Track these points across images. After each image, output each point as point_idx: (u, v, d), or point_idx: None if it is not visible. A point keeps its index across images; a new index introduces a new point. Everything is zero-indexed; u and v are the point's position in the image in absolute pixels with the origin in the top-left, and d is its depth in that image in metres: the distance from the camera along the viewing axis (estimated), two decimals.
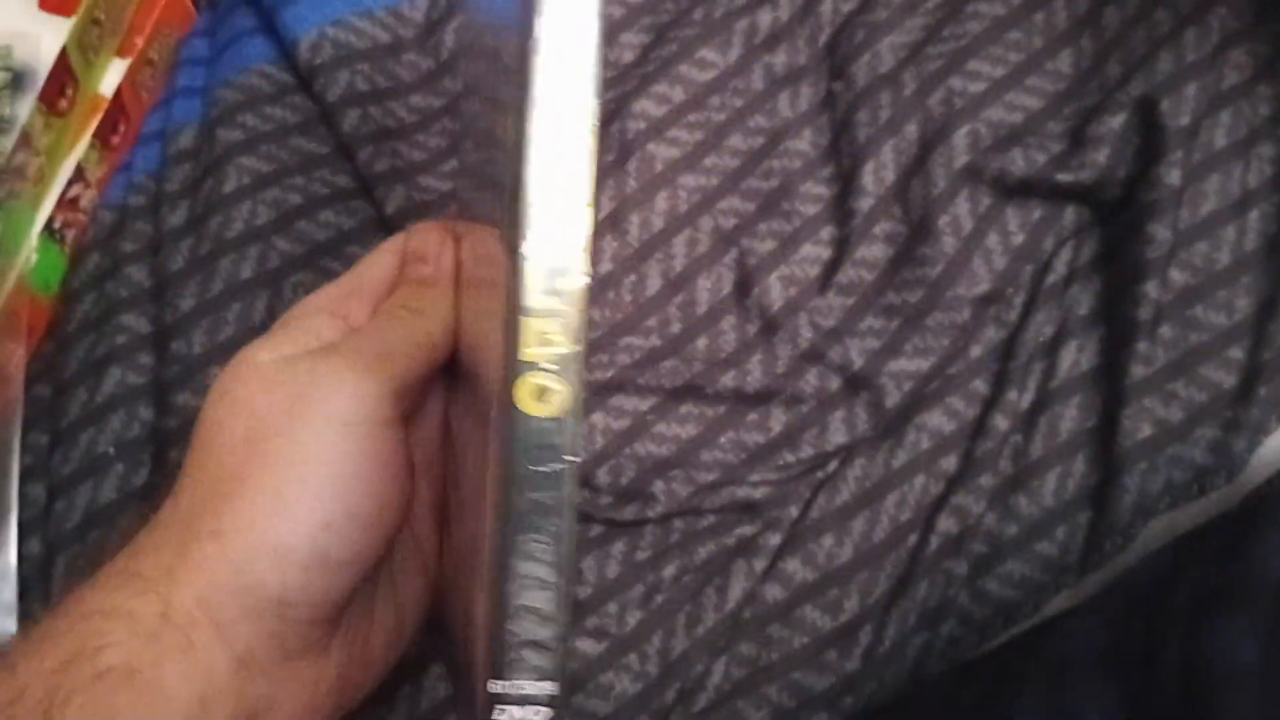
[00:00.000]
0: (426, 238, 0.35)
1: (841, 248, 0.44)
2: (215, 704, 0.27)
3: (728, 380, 0.42)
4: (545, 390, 0.23)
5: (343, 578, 0.29)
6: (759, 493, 0.41)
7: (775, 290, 0.43)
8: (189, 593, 0.27)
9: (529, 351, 0.23)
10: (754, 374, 0.42)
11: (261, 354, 0.31)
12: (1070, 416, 0.41)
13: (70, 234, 0.46)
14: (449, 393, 0.34)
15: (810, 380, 0.42)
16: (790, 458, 0.41)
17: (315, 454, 0.29)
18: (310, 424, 0.29)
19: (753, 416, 0.42)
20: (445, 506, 0.34)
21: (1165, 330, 0.41)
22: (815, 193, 0.45)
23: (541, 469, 0.23)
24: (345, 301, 0.34)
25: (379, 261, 0.35)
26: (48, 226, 0.45)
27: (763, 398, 0.42)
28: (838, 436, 0.42)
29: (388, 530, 0.30)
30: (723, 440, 0.42)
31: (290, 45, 0.47)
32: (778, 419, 0.42)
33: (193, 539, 0.28)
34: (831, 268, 0.44)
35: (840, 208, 0.44)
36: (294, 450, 0.29)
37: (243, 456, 0.29)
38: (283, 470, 0.28)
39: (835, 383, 0.42)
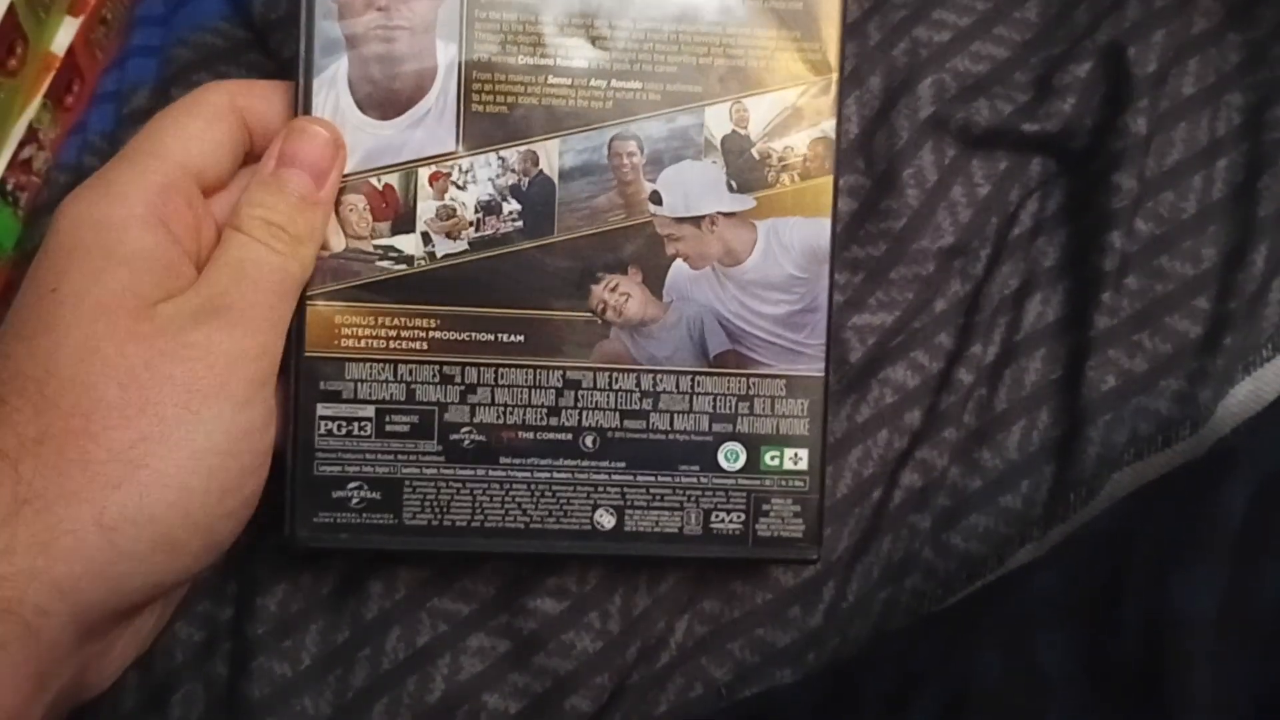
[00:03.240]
0: (317, 140, 0.28)
1: None
2: None
3: None
4: None
5: None
6: None
7: None
8: None
9: None
10: None
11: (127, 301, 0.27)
12: (1035, 369, 0.40)
13: (24, 196, 0.45)
14: None
15: None
16: None
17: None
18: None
19: None
20: None
21: (1131, 281, 0.40)
22: None
23: None
24: (166, 196, 0.27)
25: (207, 131, 0.28)
26: (0, 188, 0.44)
27: None
28: None
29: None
30: None
31: (245, 0, 0.46)
32: None
33: None
34: None
35: None
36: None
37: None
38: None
39: None
